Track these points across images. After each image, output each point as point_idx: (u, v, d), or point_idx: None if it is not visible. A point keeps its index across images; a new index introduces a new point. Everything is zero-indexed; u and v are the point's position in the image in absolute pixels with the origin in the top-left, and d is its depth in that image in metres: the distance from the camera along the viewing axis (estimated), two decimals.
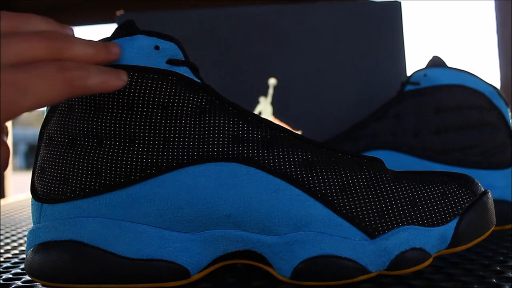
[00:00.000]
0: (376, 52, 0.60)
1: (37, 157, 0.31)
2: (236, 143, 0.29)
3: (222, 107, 0.30)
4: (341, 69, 0.59)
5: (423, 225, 0.28)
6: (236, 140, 0.29)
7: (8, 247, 0.43)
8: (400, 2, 0.60)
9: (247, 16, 0.60)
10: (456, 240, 0.28)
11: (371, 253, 0.28)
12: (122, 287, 0.28)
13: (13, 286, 0.30)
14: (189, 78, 0.30)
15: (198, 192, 0.28)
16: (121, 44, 0.30)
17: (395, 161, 0.46)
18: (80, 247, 0.28)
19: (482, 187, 0.30)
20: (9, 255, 0.40)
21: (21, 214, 0.67)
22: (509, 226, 0.44)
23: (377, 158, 0.30)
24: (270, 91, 0.59)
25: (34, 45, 0.23)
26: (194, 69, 0.31)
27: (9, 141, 1.04)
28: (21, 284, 0.31)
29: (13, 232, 0.51)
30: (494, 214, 0.30)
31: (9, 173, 1.26)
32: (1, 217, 0.64)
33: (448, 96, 0.46)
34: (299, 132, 0.58)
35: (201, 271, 0.29)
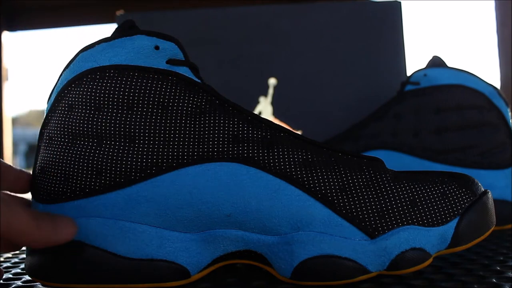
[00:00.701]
0: (376, 52, 0.60)
1: (37, 157, 0.31)
2: (236, 143, 0.29)
3: (222, 107, 0.30)
4: (341, 69, 0.59)
5: (423, 225, 0.28)
6: (236, 140, 0.29)
7: None
8: (400, 2, 0.60)
9: (247, 16, 0.60)
10: (456, 240, 0.28)
11: (371, 253, 0.28)
12: (122, 287, 0.28)
13: (13, 286, 0.30)
14: (189, 78, 0.30)
15: (198, 192, 0.28)
16: (121, 44, 0.30)
17: (395, 161, 0.46)
18: (80, 247, 0.28)
19: (482, 187, 0.30)
20: (9, 255, 0.40)
21: None
22: (509, 226, 0.44)
23: (377, 158, 0.30)
24: (270, 91, 0.59)
25: None
26: (194, 69, 0.31)
27: (9, 141, 1.04)
28: (21, 284, 0.31)
29: None
30: (494, 214, 0.30)
31: None
32: None
33: (448, 96, 0.46)
34: (299, 132, 0.58)
35: (201, 271, 0.29)
